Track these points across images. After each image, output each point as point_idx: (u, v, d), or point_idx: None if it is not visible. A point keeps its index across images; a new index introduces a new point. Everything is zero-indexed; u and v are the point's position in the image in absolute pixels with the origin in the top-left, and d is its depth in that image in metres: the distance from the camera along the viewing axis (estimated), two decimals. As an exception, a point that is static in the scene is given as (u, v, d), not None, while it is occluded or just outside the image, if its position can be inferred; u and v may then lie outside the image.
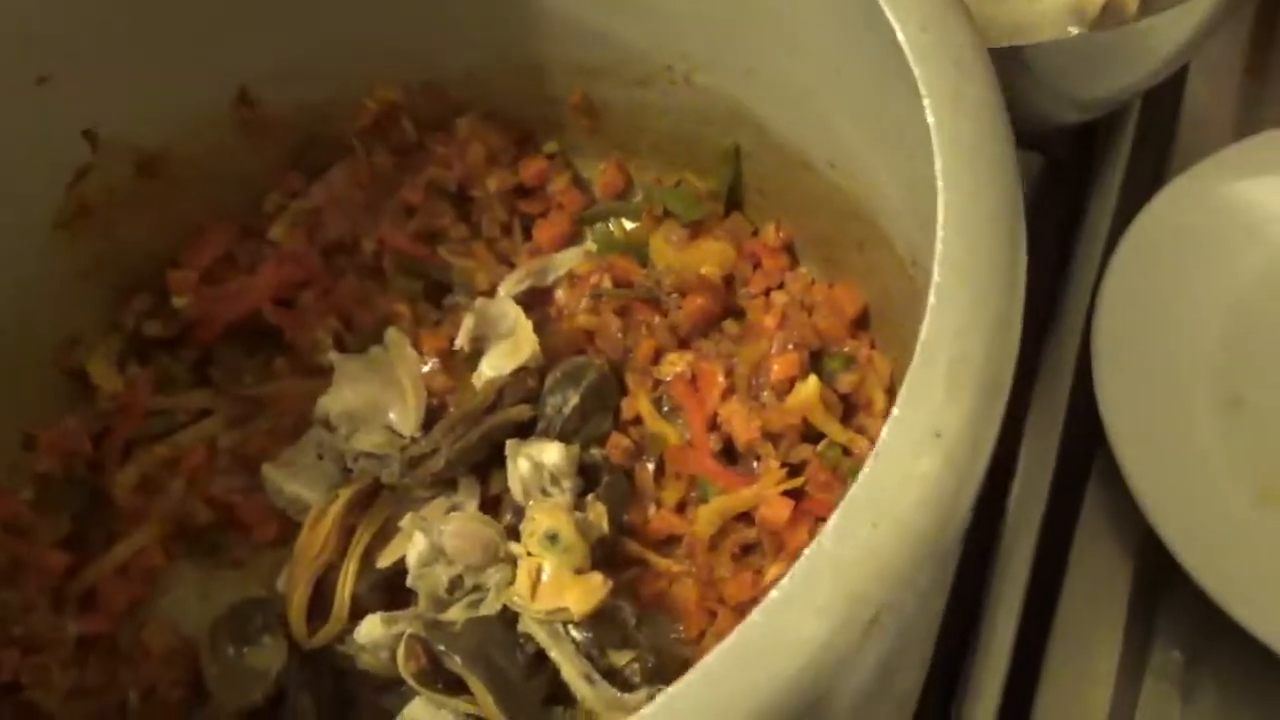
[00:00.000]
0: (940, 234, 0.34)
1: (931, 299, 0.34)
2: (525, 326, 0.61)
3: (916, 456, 0.31)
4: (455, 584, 0.55)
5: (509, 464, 0.57)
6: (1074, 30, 0.66)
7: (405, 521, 0.57)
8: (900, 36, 0.38)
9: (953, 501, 0.32)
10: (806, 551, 0.31)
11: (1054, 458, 0.64)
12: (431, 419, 0.61)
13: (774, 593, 0.30)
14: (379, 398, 0.61)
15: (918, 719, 0.56)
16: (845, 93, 0.48)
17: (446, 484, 0.59)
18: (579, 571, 0.54)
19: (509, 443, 0.58)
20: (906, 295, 0.49)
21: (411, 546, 0.55)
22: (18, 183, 0.58)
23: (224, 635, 0.56)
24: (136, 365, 0.64)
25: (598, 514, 0.56)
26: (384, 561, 0.57)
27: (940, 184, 0.35)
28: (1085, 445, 0.65)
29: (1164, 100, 0.73)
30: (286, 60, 0.62)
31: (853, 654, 0.31)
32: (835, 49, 0.46)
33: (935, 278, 0.34)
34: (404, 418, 0.61)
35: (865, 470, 0.32)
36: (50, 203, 0.60)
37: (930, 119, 0.36)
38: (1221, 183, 0.68)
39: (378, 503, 0.58)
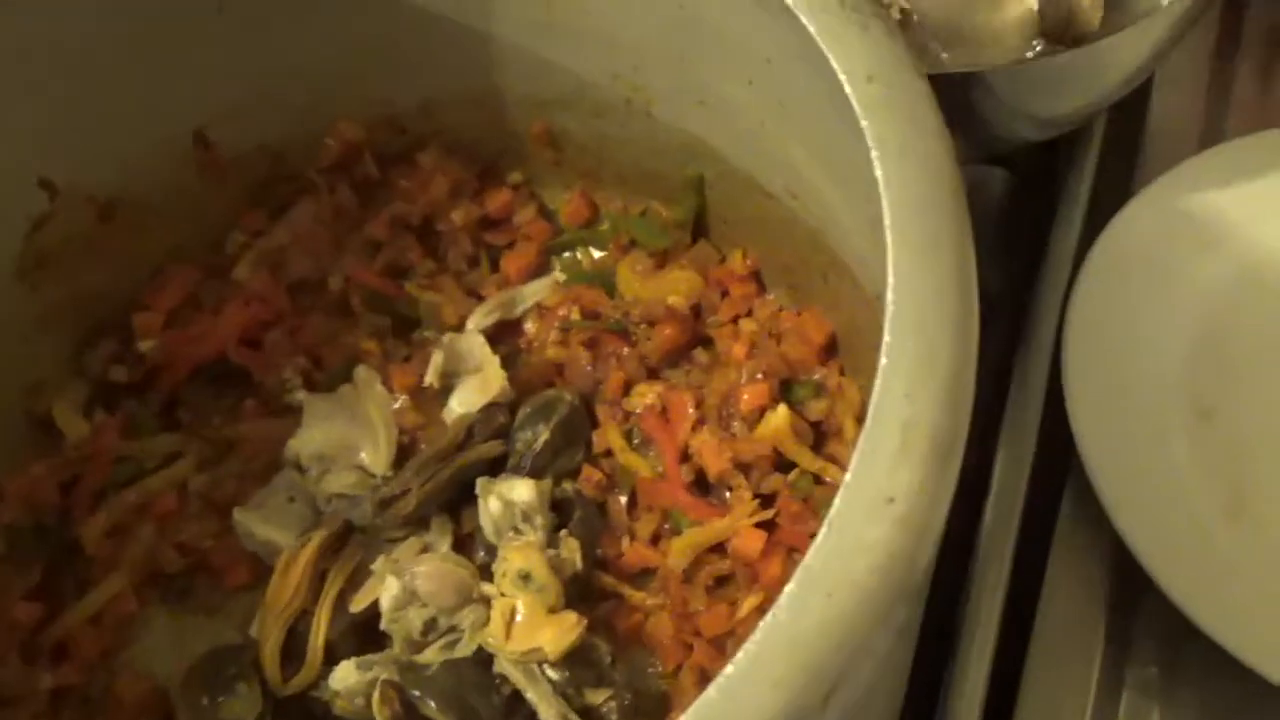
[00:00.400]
0: (890, 294, 0.34)
1: (882, 360, 0.33)
2: (492, 362, 0.61)
3: (869, 523, 0.31)
4: (429, 626, 0.55)
5: (480, 503, 0.57)
6: (1037, 45, 0.66)
7: (377, 565, 0.57)
8: (847, 88, 0.37)
9: (908, 565, 0.31)
10: (761, 624, 0.31)
11: (1027, 473, 0.64)
12: (403, 457, 0.60)
13: (729, 668, 0.30)
14: (349, 437, 0.61)
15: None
16: (799, 129, 0.48)
17: (419, 523, 0.59)
18: (553, 610, 0.54)
19: (479, 481, 0.57)
20: (872, 324, 0.49)
21: (384, 590, 0.55)
22: (-25, 236, 0.58)
23: (198, 684, 0.56)
24: (103, 411, 0.63)
25: (570, 549, 0.56)
26: (357, 606, 0.56)
27: (889, 239, 0.35)
28: (1058, 460, 0.65)
29: (1130, 112, 0.73)
30: (240, 100, 0.62)
31: (812, 722, 0.30)
32: (786, 88, 0.46)
33: (885, 336, 0.34)
34: (375, 457, 0.61)
35: (818, 539, 0.31)
36: (9, 253, 0.60)
37: (879, 172, 0.36)
38: (1188, 194, 0.68)
39: (349, 546, 0.58)
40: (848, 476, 0.32)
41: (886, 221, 0.35)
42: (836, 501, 0.32)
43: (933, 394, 0.33)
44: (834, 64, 0.38)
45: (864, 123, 0.37)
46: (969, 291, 0.35)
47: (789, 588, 0.31)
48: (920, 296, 0.34)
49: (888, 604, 0.31)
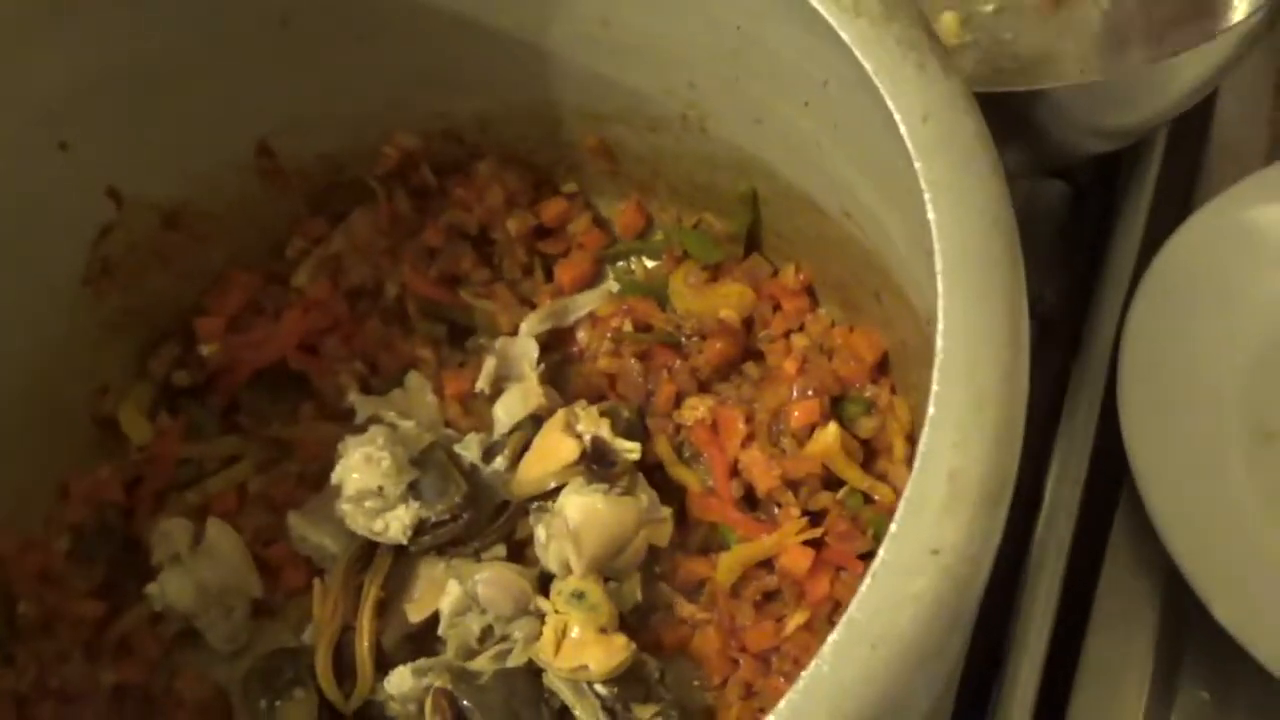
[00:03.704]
0: (940, 341, 0.34)
1: (931, 409, 0.33)
2: (532, 377, 0.61)
3: (913, 575, 0.31)
4: (486, 634, 0.56)
5: (534, 531, 0.57)
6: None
7: (439, 571, 0.57)
8: (902, 128, 0.37)
9: (953, 616, 0.31)
10: (805, 673, 0.31)
11: (1079, 494, 0.63)
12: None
13: (771, 717, 0.31)
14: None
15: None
16: (854, 152, 0.48)
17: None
18: (604, 631, 0.54)
19: (532, 510, 0.58)
20: (924, 345, 0.49)
21: (445, 596, 0.56)
22: (45, 244, 0.59)
23: (256, 687, 0.57)
24: (166, 414, 0.64)
25: (632, 585, 0.57)
26: (416, 615, 0.57)
27: (940, 285, 0.35)
28: (1112, 479, 0.64)
29: (1192, 122, 0.72)
30: (302, 112, 0.62)
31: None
32: (842, 112, 0.46)
33: (934, 385, 0.34)
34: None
35: (863, 589, 0.32)
36: (77, 261, 0.61)
37: (931, 215, 0.36)
38: (1250, 209, 0.67)
39: (378, 555, 0.58)
40: (893, 527, 0.32)
41: (939, 267, 0.35)
42: (881, 552, 0.32)
43: (981, 443, 0.33)
44: (889, 103, 0.38)
45: (918, 164, 0.37)
46: (1019, 339, 0.35)
47: (833, 637, 0.31)
48: (971, 344, 0.34)
49: (933, 654, 0.31)
